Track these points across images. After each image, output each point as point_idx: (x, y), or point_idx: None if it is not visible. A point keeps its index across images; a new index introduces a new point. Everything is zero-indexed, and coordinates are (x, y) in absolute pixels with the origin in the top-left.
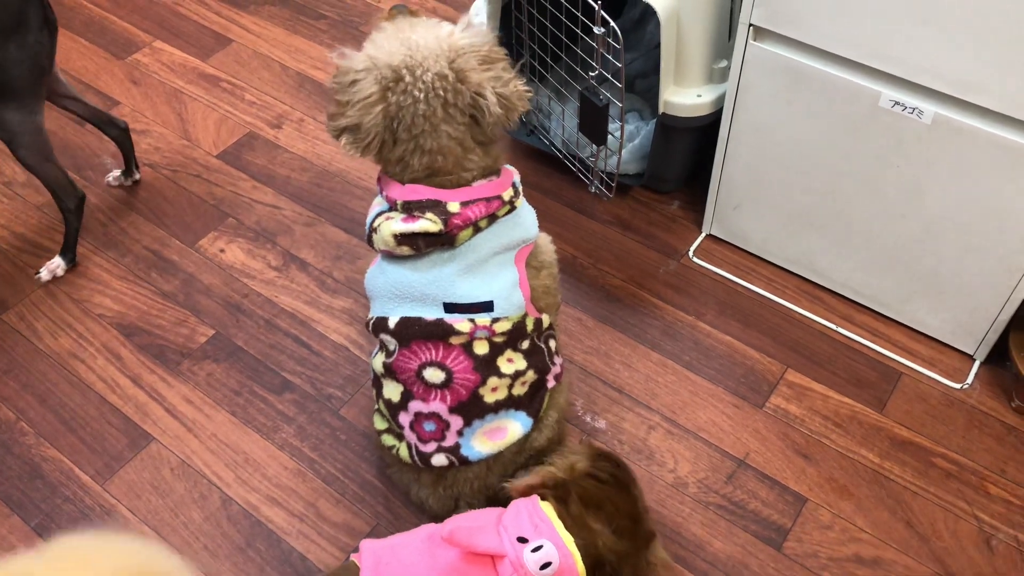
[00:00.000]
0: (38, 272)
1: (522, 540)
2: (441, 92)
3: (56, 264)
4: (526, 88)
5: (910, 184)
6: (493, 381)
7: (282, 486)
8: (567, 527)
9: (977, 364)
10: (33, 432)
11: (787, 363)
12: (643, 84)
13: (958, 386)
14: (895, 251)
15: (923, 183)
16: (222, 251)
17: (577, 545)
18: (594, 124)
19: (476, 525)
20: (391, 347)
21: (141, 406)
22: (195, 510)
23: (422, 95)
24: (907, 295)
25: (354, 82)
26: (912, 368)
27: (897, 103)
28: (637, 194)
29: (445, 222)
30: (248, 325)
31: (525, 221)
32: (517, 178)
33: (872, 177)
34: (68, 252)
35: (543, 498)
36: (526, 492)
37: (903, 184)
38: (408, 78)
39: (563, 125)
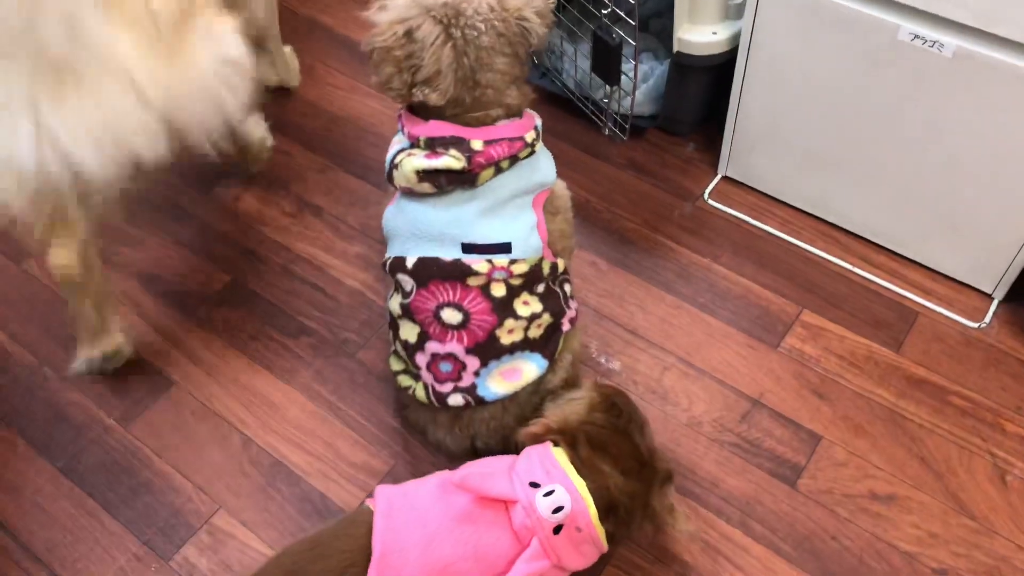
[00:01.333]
0: None
1: (534, 485)
2: (495, 22)
3: None
4: (549, 4)
5: (930, 120)
6: (510, 323)
7: (301, 428)
8: (579, 471)
9: (995, 303)
10: (56, 376)
11: (803, 304)
12: (657, 24)
13: (976, 325)
14: (913, 189)
15: (943, 119)
16: (236, 199)
17: (590, 489)
18: (607, 64)
19: (488, 471)
20: (408, 288)
21: (160, 352)
22: (217, 451)
23: (483, 26)
24: (925, 234)
25: (410, 31)
26: (929, 308)
27: (917, 36)
28: (651, 136)
29: (468, 160)
30: (263, 271)
31: (544, 166)
32: (539, 122)
33: (891, 114)
34: None
35: (554, 444)
36: (535, 439)
37: (922, 121)
38: (469, 11)
39: (576, 66)
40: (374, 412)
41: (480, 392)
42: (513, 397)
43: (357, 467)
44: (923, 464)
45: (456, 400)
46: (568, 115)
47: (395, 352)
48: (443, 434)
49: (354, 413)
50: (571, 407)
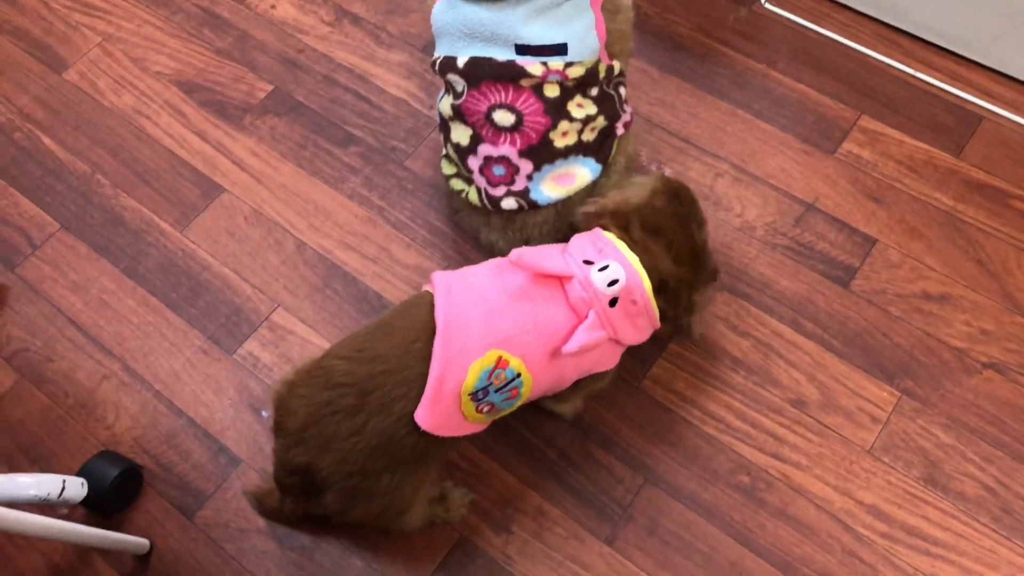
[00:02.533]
0: None
1: (588, 263)
2: None
3: None
4: None
5: None
6: (563, 125)
7: (354, 232)
8: (631, 249)
9: None
10: (109, 184)
11: (861, 109)
12: None
13: None
14: None
15: None
16: (273, 7)
17: (642, 263)
18: None
19: (542, 251)
20: (459, 88)
21: (209, 159)
22: (271, 254)
23: None
24: (995, 34)
25: None
26: (994, 112)
27: None
28: None
29: None
30: (306, 80)
31: None
32: None
33: None
34: None
35: (605, 228)
36: (591, 219)
37: None
38: None
39: None
40: (425, 217)
41: (533, 196)
42: (566, 202)
43: (410, 268)
44: (979, 265)
45: (509, 204)
46: None
47: (446, 156)
48: (496, 237)
49: (404, 218)
50: (633, 190)
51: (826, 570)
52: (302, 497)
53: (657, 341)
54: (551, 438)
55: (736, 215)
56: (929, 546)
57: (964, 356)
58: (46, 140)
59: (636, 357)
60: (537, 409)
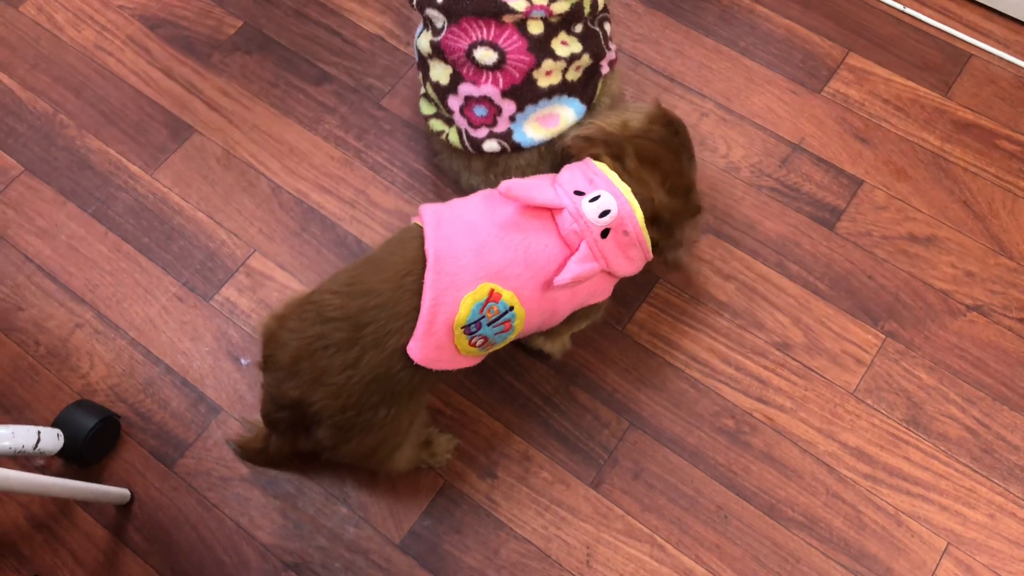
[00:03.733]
0: None
1: (578, 194)
2: None
3: None
4: None
5: None
6: (548, 64)
7: (330, 175)
8: (623, 180)
9: None
10: (74, 124)
11: (849, 46)
12: None
13: None
14: None
15: None
16: None
17: (634, 194)
18: None
19: (532, 183)
20: (439, 24)
21: (177, 98)
22: (246, 197)
23: None
24: None
25: None
26: (983, 49)
27: None
28: None
29: None
30: (276, 15)
31: None
32: None
33: None
34: None
35: (596, 158)
36: (580, 146)
37: None
38: None
39: None
40: (403, 158)
41: (516, 138)
42: (549, 144)
43: (390, 212)
44: (965, 207)
45: (491, 146)
46: None
47: (425, 95)
48: (477, 181)
49: (382, 160)
50: (630, 114)
51: (810, 511)
52: (290, 434)
53: (641, 286)
54: (536, 384)
55: (721, 156)
56: (910, 486)
57: (949, 298)
58: (3, 78)
59: (620, 302)
60: (522, 355)
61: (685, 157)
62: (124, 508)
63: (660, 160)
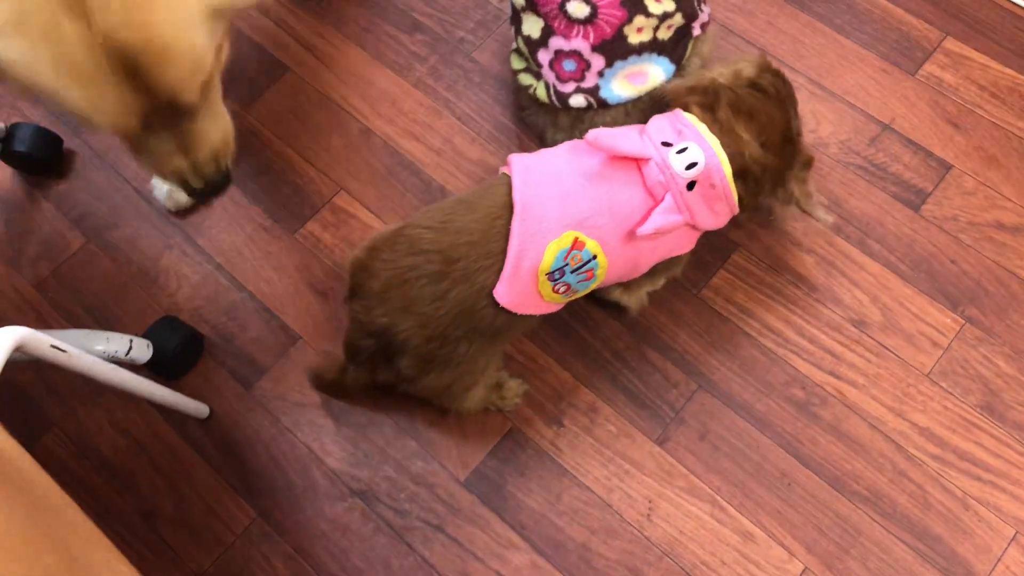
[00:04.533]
0: None
1: (666, 145)
2: None
3: None
4: None
5: None
6: (639, 20)
7: (418, 121)
8: (712, 132)
9: None
10: None
11: (946, 30)
12: None
13: None
14: None
15: None
16: None
17: (723, 147)
18: None
19: (619, 132)
20: None
21: (271, 36)
22: (335, 137)
23: None
24: None
25: None
26: None
27: None
28: None
29: None
30: None
31: None
32: None
33: None
34: None
35: (686, 109)
36: (680, 93)
37: None
38: None
39: None
40: (490, 111)
41: (603, 94)
42: (636, 102)
43: (474, 163)
44: None
45: (578, 101)
46: None
47: (516, 50)
48: (562, 137)
49: (470, 111)
50: (742, 64)
51: (875, 487)
52: (371, 364)
53: (719, 252)
54: (608, 340)
55: (810, 131)
56: (981, 472)
57: None
58: None
59: (697, 267)
60: (597, 310)
61: (791, 107)
62: (202, 423)
63: (759, 112)
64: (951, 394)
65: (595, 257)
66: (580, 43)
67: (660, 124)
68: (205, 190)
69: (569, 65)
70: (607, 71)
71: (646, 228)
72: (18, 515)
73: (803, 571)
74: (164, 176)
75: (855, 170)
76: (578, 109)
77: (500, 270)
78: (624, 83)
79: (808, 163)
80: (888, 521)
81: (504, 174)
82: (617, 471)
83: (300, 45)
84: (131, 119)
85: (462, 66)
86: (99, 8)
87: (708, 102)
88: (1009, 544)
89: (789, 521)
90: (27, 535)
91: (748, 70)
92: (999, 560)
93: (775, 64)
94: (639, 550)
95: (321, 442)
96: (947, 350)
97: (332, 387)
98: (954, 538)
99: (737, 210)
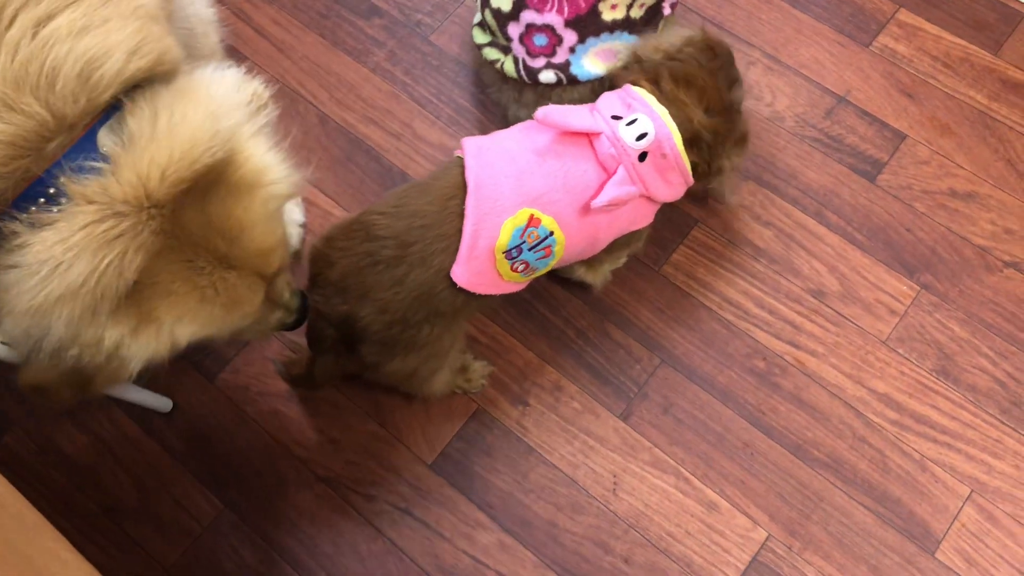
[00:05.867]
0: None
1: (616, 118)
2: None
3: None
4: None
5: None
6: None
7: (377, 107)
8: (660, 102)
9: None
10: None
11: (900, 2)
12: None
13: None
14: None
15: None
16: None
17: (672, 116)
18: None
19: (569, 109)
20: None
21: (228, 24)
22: (293, 125)
23: None
24: None
25: None
26: None
27: None
28: None
29: None
30: None
31: None
32: None
33: None
34: None
35: (635, 84)
36: (619, 74)
37: None
38: None
39: None
40: (449, 94)
41: (573, 70)
42: (604, 79)
43: (434, 146)
44: (1008, 165)
45: (547, 77)
46: None
47: (480, 24)
48: (526, 114)
49: (429, 94)
50: (666, 38)
51: (836, 453)
52: (335, 353)
53: (678, 229)
54: (571, 318)
55: (766, 104)
56: (937, 434)
57: (986, 254)
58: None
59: (657, 243)
60: (559, 289)
61: (723, 78)
62: (166, 416)
63: (695, 79)
64: (908, 360)
65: (552, 233)
66: (553, 17)
67: (610, 100)
68: (300, 318)
69: (540, 40)
70: (579, 47)
71: (600, 200)
72: None
73: (766, 538)
74: (268, 334)
75: (811, 143)
76: (544, 85)
77: (456, 251)
78: (595, 60)
79: (742, 140)
80: (849, 486)
81: (458, 156)
82: (582, 447)
83: (257, 33)
84: (257, 308)
85: (420, 49)
86: (236, 253)
87: (651, 75)
88: (964, 503)
89: (752, 490)
90: None
91: (672, 42)
92: (955, 518)
93: (728, 40)
94: (606, 524)
95: (287, 431)
96: (903, 317)
97: (302, 380)
98: (912, 500)
99: (692, 180)
